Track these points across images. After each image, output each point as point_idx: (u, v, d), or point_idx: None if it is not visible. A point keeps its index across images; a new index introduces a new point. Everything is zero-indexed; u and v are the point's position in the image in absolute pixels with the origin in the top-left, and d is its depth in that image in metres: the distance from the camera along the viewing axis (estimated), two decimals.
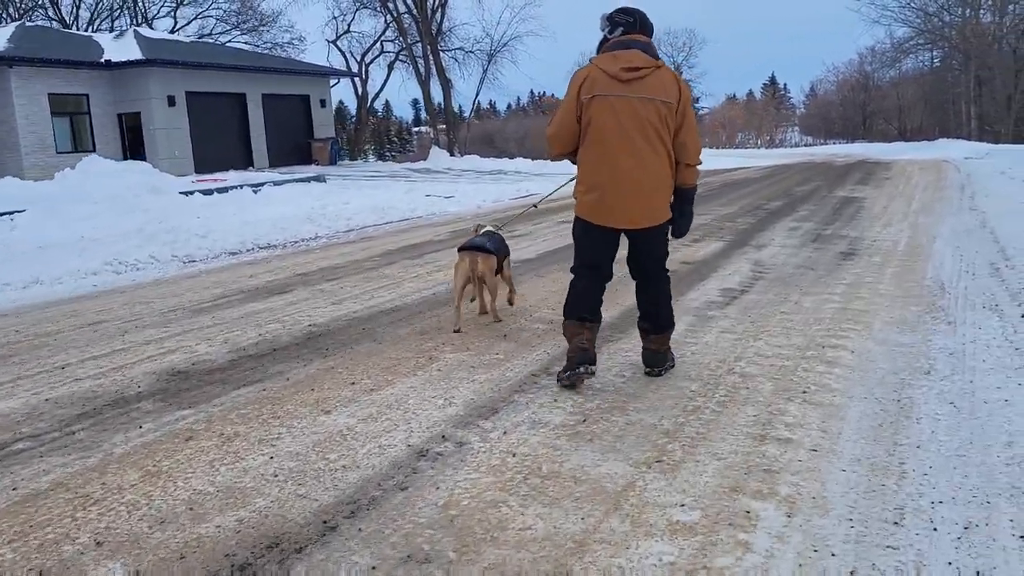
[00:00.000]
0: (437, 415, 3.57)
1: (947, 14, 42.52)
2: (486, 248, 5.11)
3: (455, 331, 5.06)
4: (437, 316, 5.55)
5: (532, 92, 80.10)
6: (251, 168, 27.15)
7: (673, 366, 4.15)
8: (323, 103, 32.06)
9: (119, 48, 25.23)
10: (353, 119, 61.27)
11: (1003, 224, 8.83)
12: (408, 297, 6.26)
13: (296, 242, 10.90)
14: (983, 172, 17.53)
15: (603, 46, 3.88)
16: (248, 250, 10.19)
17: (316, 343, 4.94)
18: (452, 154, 34.50)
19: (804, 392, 3.72)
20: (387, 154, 44.93)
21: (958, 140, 35.13)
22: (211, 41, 39.44)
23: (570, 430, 3.35)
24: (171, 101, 24.86)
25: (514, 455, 3.09)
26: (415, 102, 58.25)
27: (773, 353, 4.38)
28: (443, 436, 3.32)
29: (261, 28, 41.86)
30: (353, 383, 4.07)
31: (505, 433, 3.33)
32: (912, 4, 41.94)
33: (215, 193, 16.63)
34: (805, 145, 61.76)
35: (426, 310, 5.78)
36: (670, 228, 3.97)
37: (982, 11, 41.53)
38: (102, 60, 23.95)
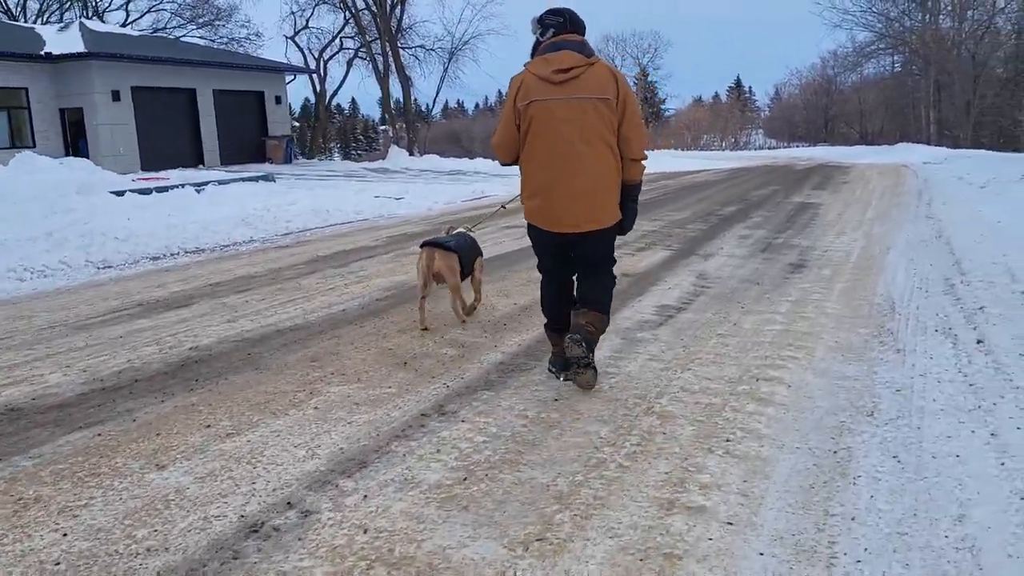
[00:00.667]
0: (292, 471, 2.98)
1: (907, 19, 42.76)
2: (446, 245, 4.89)
3: (422, 329, 5.00)
4: (337, 338, 4.96)
5: (499, 92, 79.50)
6: (201, 166, 26.28)
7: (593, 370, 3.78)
8: (278, 100, 31.20)
9: (63, 41, 24.17)
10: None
11: (959, 234, 8.45)
12: (313, 314, 5.65)
13: (227, 246, 10.26)
14: (941, 177, 17.32)
15: (536, 50, 3.82)
16: (172, 255, 9.54)
17: (188, 372, 4.31)
18: (412, 153, 33.80)
19: (728, 440, 3.19)
20: (353, 152, 43.76)
21: (918, 144, 35.26)
22: (164, 35, 38.18)
23: (445, 492, 2.78)
24: (116, 96, 23.89)
25: (366, 531, 2.52)
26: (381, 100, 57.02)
27: (701, 387, 3.85)
28: (289, 502, 2.73)
29: (217, 23, 40.71)
30: (209, 426, 3.47)
31: (366, 497, 2.76)
32: (873, 9, 42.14)
33: (154, 192, 15.80)
34: (769, 148, 62.02)
35: (327, 330, 5.18)
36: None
37: (941, 16, 41.83)
38: (42, 53, 22.90)
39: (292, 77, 32.93)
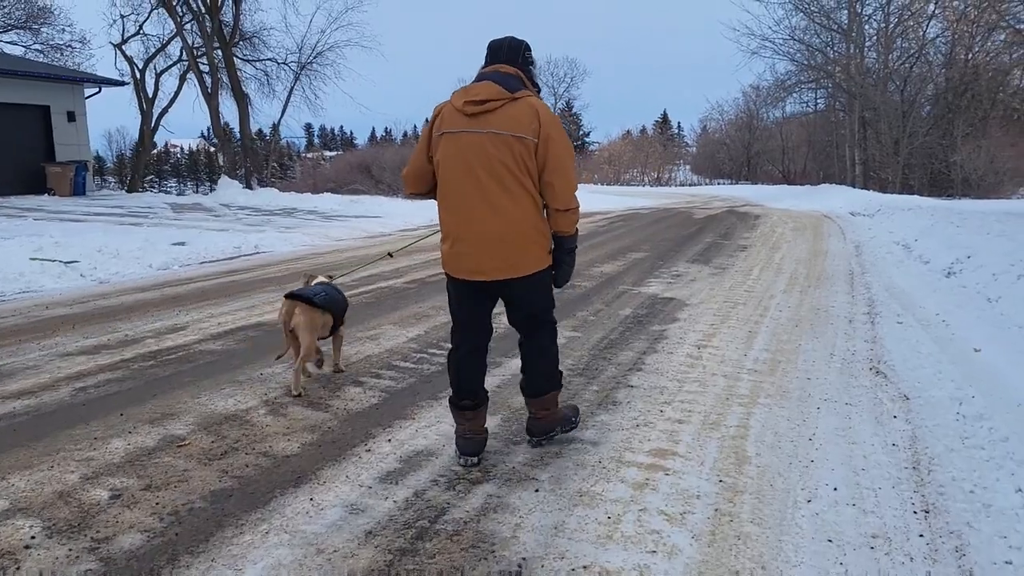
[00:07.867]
0: None
1: (831, 50, 38.61)
2: (311, 300, 4.32)
3: (295, 396, 4.37)
4: None
5: (427, 119, 74.70)
6: None
7: (573, 426, 3.73)
8: (71, 117, 24.81)
9: None
10: (239, 142, 51.97)
11: (984, 514, 2.91)
12: None
13: None
14: (879, 244, 12.12)
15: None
16: None
17: None
18: (249, 186, 27.72)
19: None
20: (269, 181, 37.37)
21: (842, 187, 30.81)
22: None
23: None
24: None
25: None
26: (308, 126, 50.62)
27: None
28: None
29: (34, 26, 33.87)
30: None
31: None
32: (793, 37, 37.82)
33: None
34: (690, 184, 57.97)
35: None
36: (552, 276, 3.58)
37: (867, 48, 37.84)
38: None
39: (97, 90, 26.44)
